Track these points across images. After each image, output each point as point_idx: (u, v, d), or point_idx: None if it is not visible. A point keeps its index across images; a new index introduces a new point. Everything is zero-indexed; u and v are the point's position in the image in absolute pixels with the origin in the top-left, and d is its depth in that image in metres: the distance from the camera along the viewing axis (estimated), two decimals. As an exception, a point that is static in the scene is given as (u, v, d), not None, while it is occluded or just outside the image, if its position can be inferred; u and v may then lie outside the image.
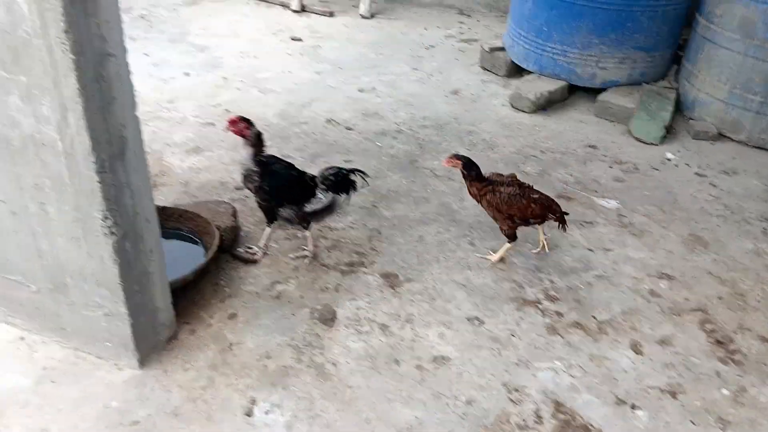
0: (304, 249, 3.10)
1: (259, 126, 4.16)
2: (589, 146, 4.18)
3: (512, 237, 3.01)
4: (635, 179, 3.85)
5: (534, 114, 4.52)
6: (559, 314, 2.82)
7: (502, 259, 3.08)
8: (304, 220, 2.97)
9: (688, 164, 4.04)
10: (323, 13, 6.20)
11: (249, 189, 2.88)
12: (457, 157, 2.90)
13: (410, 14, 6.28)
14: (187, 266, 2.75)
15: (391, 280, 2.97)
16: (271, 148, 3.86)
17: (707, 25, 4.30)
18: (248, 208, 3.40)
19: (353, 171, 3.03)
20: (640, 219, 3.49)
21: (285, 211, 2.93)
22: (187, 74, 4.84)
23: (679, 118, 4.45)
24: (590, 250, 3.24)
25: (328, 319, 2.74)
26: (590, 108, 4.62)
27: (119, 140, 2.08)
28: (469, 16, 6.31)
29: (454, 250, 3.18)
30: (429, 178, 3.75)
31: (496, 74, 5.08)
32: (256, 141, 2.79)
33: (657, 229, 3.42)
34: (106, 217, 2.10)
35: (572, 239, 3.31)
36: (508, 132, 4.28)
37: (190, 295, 2.76)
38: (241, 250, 3.06)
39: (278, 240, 3.19)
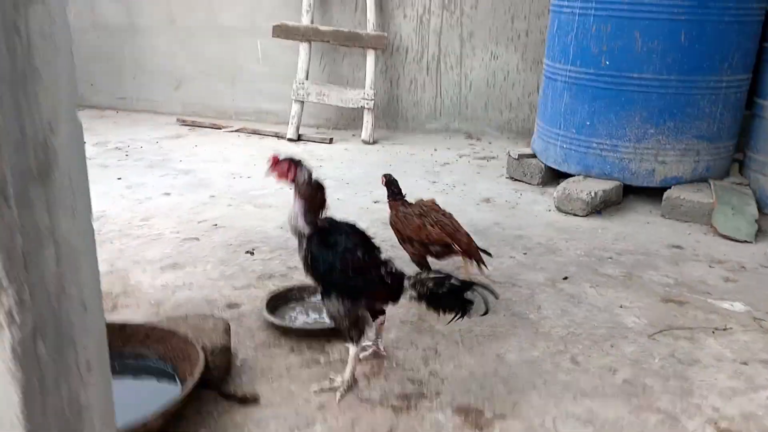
0: (334, 378, 2.06)
1: (259, 238, 3.34)
2: (673, 246, 3.33)
3: (421, 265, 2.61)
4: (748, 279, 2.97)
5: (588, 217, 3.73)
6: (752, 457, 1.77)
7: None
8: (356, 327, 1.98)
9: (802, 260, 3.20)
10: (322, 141, 5.62)
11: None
12: (385, 175, 2.75)
13: (415, 139, 5.73)
14: (152, 408, 1.70)
15: (473, 417, 1.92)
16: (275, 260, 2.97)
17: (777, 106, 3.72)
18: (245, 328, 2.39)
19: (472, 285, 1.99)
20: (786, 322, 2.56)
21: (331, 304, 1.96)
22: (168, 194, 4.03)
23: (761, 218, 3.69)
24: (744, 363, 2.26)
25: (387, 484, 1.65)
26: (653, 209, 3.86)
27: (42, 149, 1.16)
28: (479, 139, 5.77)
29: (552, 372, 2.17)
30: (487, 286, 2.81)
31: (529, 183, 4.37)
32: (311, 191, 1.94)
33: (815, 333, 2.48)
34: (2, 289, 1.12)
35: (710, 350, 2.33)
36: (566, 235, 3.45)
37: (155, 456, 1.67)
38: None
39: (290, 368, 2.16)
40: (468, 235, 2.65)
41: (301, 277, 2.82)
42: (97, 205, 3.71)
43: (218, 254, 3.08)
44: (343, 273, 1.95)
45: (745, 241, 3.39)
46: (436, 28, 5.72)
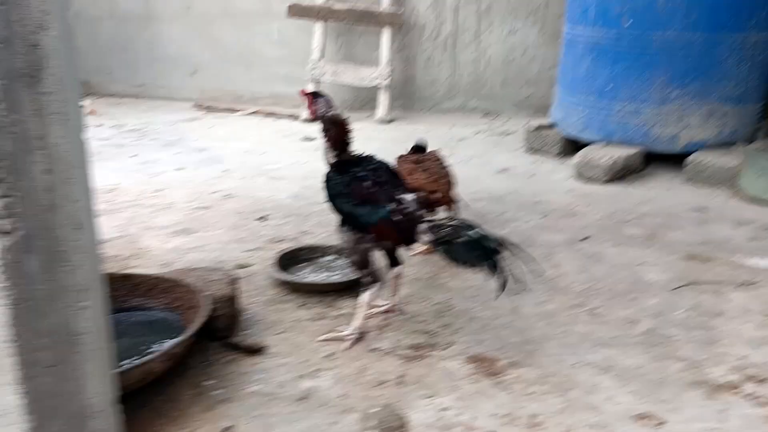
0: (341, 329, 2.00)
1: (271, 206, 3.29)
2: (698, 209, 3.21)
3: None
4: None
5: (608, 184, 3.61)
6: (783, 401, 1.67)
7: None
8: (362, 262, 1.94)
9: (835, 220, 3.06)
10: (337, 120, 5.56)
11: None
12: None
13: (432, 118, 5.64)
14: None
15: (486, 365, 1.84)
16: (286, 225, 2.92)
17: (808, 65, 3.57)
18: (255, 286, 2.34)
19: (497, 242, 1.80)
20: (818, 277, 2.43)
21: (342, 235, 1.97)
22: (181, 169, 4.01)
23: (790, 182, 3.53)
24: (773, 314, 2.15)
25: (395, 428, 1.58)
26: (675, 176, 3.72)
27: (31, 48, 1.12)
28: (497, 116, 5.66)
29: (570, 324, 2.08)
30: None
31: (548, 154, 4.25)
32: (329, 125, 1.95)
33: None
34: (-13, 195, 1.08)
35: (736, 302, 2.23)
36: (585, 201, 3.34)
37: (157, 401, 1.63)
38: (240, 342, 1.96)
39: (299, 321, 2.11)
40: (450, 183, 2.61)
41: (312, 240, 2.79)
42: (110, 179, 3.73)
43: (229, 221, 3.05)
44: (349, 198, 1.93)
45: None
46: (452, 4, 5.62)
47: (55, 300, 1.22)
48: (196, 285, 1.96)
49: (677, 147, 3.76)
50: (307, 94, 2.03)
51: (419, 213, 1.92)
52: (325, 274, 2.45)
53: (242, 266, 2.53)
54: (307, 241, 2.79)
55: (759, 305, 2.21)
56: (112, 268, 2.50)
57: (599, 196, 3.42)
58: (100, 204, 3.23)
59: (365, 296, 1.96)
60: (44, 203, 1.17)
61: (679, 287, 2.33)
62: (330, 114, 1.96)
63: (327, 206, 2.04)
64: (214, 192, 3.52)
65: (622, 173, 3.68)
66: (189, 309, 1.91)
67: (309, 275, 2.44)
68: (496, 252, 1.78)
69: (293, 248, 2.56)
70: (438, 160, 2.73)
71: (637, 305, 2.20)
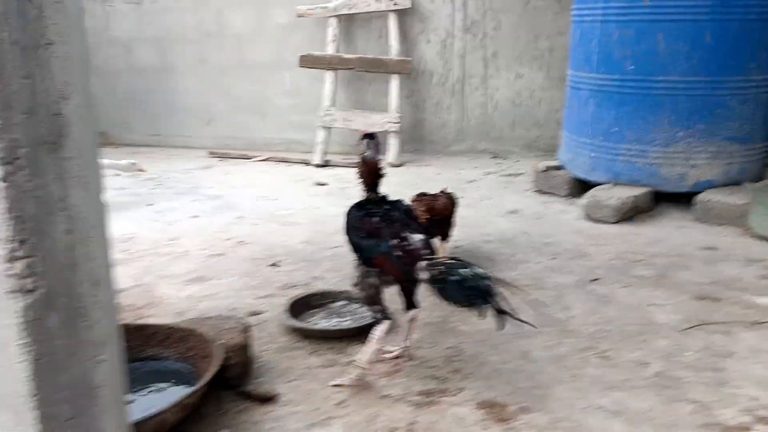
0: (353, 369, 2.03)
1: (283, 252, 3.35)
2: (707, 248, 3.22)
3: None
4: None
5: (619, 224, 3.63)
6: (796, 444, 1.66)
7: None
8: (369, 296, 2.02)
9: None
10: (349, 165, 5.66)
11: None
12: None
13: (441, 161, 5.72)
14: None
15: (496, 411, 1.85)
16: (298, 271, 2.97)
17: (811, 103, 3.61)
18: (267, 333, 2.38)
19: (489, 280, 1.81)
20: (830, 316, 2.42)
21: (355, 269, 2.10)
22: (196, 216, 4.10)
23: (800, 219, 3.53)
24: (785, 354, 2.14)
25: (405, 475, 1.59)
26: (685, 215, 3.74)
27: (54, 117, 1.19)
28: (505, 158, 5.73)
29: (581, 367, 2.09)
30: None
31: (556, 195, 4.30)
32: (362, 165, 2.10)
33: None
34: (14, 257, 1.14)
35: (747, 343, 2.22)
36: (595, 241, 3.37)
37: (171, 448, 1.66)
38: (249, 389, 1.99)
39: (310, 368, 2.13)
40: (445, 209, 2.92)
41: (324, 286, 2.83)
42: (127, 229, 3.82)
43: (243, 267, 3.10)
44: (356, 232, 2.05)
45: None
46: (459, 51, 5.77)
47: (74, 354, 1.27)
48: (209, 334, 2.00)
49: (685, 186, 3.79)
50: (364, 135, 2.15)
51: (421, 251, 1.97)
52: (336, 319, 2.48)
53: (254, 313, 2.57)
54: (319, 286, 2.83)
55: (770, 345, 2.20)
56: (128, 318, 2.55)
57: (609, 237, 3.44)
58: (116, 254, 3.32)
59: (376, 332, 1.99)
60: (64, 262, 1.23)
61: (689, 328, 2.33)
62: (367, 156, 2.09)
63: (344, 243, 2.14)
64: (228, 239, 3.58)
65: (631, 213, 3.71)
66: (203, 358, 1.95)
67: (320, 321, 2.48)
68: (488, 292, 1.79)
69: (304, 294, 2.60)
70: (449, 198, 3.00)
71: (647, 347, 2.21)
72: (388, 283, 2.05)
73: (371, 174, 2.10)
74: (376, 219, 2.04)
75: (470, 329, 2.37)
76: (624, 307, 2.54)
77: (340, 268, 3.07)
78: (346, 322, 2.44)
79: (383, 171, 2.13)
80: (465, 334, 2.34)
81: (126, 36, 6.80)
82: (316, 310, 2.56)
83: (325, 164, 5.74)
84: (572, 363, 2.11)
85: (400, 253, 1.96)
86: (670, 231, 3.52)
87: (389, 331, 2.02)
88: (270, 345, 2.29)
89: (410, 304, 2.09)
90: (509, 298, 1.82)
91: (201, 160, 6.08)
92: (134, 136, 6.99)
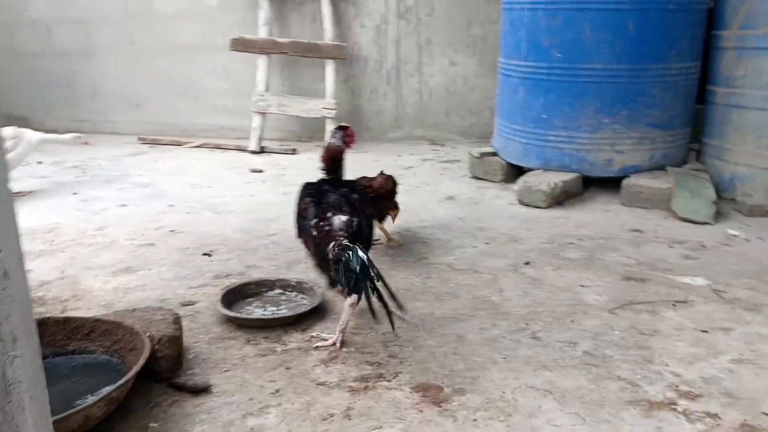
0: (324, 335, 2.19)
1: (217, 241, 3.27)
2: (634, 230, 3.35)
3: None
4: (709, 256, 2.98)
5: (550, 209, 3.73)
6: (714, 416, 1.75)
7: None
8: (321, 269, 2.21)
9: (761, 238, 3.23)
10: (285, 152, 5.58)
11: None
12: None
13: (379, 147, 5.71)
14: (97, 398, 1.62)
15: (432, 394, 1.87)
16: (232, 260, 2.91)
17: (728, 91, 3.79)
18: (199, 324, 2.32)
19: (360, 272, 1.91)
20: (746, 293, 2.56)
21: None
22: (124, 205, 3.94)
23: (719, 202, 3.71)
24: (704, 331, 2.25)
25: (342, 461, 1.58)
26: (613, 198, 3.88)
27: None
28: (442, 145, 5.78)
29: (513, 348, 2.13)
30: (448, 273, 2.79)
31: (492, 181, 4.37)
32: (324, 152, 2.39)
33: (773, 301, 2.49)
34: None
35: (671, 321, 2.32)
36: (527, 226, 3.44)
37: (97, 446, 1.59)
38: (182, 379, 1.93)
39: (245, 358, 2.09)
40: (380, 188, 2.99)
41: (259, 275, 2.78)
42: (50, 218, 3.63)
43: (174, 257, 3.01)
44: (296, 209, 2.31)
45: (705, 223, 3.43)
46: (393, 37, 5.76)
47: (-16, 349, 1.19)
48: (137, 326, 1.92)
49: (612, 171, 3.92)
50: (338, 126, 2.44)
51: (336, 234, 2.07)
52: (272, 308, 2.44)
53: (187, 304, 2.50)
54: (254, 275, 2.78)
55: (692, 323, 2.31)
56: (52, 311, 2.43)
57: (540, 221, 3.53)
58: (39, 245, 3.16)
59: (346, 303, 2.13)
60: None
61: (617, 308, 2.42)
62: (331, 144, 2.37)
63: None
64: (158, 228, 3.47)
65: (561, 198, 3.81)
66: (130, 351, 1.88)
67: (256, 310, 2.43)
68: (358, 279, 1.91)
69: (239, 283, 2.54)
70: (387, 178, 3.10)
71: (576, 327, 2.27)
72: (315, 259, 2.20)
73: (330, 159, 2.36)
74: (307, 200, 2.23)
75: (407, 315, 2.38)
76: (555, 289, 2.61)
77: (275, 256, 3.02)
78: (282, 311, 2.41)
79: (344, 158, 2.37)
80: (401, 319, 2.34)
81: (47, 17, 6.44)
82: (251, 299, 2.51)
83: (261, 151, 5.63)
84: (505, 344, 2.15)
85: (316, 233, 2.11)
86: (599, 214, 3.64)
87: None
88: (203, 336, 2.23)
89: (350, 291, 2.03)
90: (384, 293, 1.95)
91: (129, 146, 5.85)
92: (57, 122, 6.64)
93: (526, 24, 3.90)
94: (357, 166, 5.02)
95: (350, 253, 1.93)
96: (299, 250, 3.08)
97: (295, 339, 2.21)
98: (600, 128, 3.84)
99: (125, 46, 6.34)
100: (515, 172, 4.32)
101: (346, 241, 2.03)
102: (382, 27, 5.74)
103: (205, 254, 3.04)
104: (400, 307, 1.99)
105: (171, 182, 4.51)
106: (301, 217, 2.25)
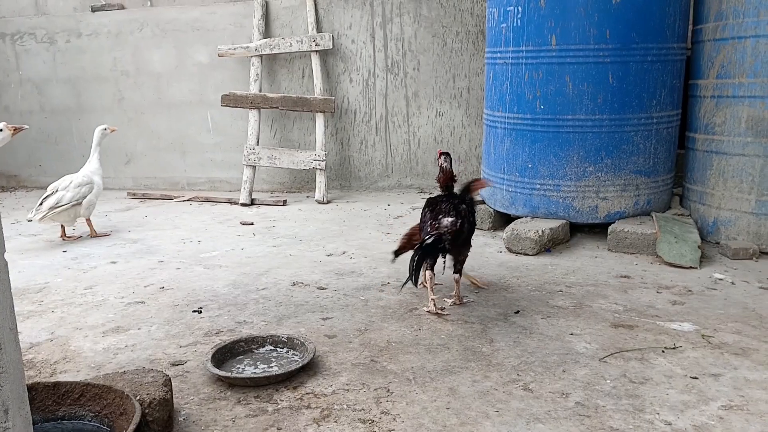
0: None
1: (207, 297, 3.27)
2: (621, 276, 3.38)
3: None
4: (695, 301, 3.01)
5: (538, 256, 3.77)
6: (707, 466, 1.75)
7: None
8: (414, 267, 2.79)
9: (746, 281, 3.27)
10: (275, 203, 5.62)
11: None
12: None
13: (368, 198, 5.78)
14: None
15: (424, 451, 1.85)
16: (222, 316, 2.91)
17: (707, 138, 3.90)
18: (190, 384, 2.30)
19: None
20: (732, 337, 2.58)
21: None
22: (114, 262, 3.94)
23: (703, 245, 3.77)
24: (694, 378, 2.26)
25: None
26: (600, 244, 3.93)
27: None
28: (431, 193, 5.86)
29: (506, 400, 2.13)
30: (439, 324, 2.79)
31: (480, 228, 4.41)
32: (440, 174, 3.04)
33: (760, 344, 2.51)
34: None
35: (660, 368, 2.33)
36: (516, 273, 3.47)
37: None
38: None
39: (236, 419, 2.07)
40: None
41: (250, 331, 2.78)
42: (40, 278, 3.63)
43: (164, 315, 3.00)
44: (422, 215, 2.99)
45: (690, 267, 3.47)
46: (381, 90, 5.90)
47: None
48: (127, 390, 1.91)
49: (598, 218, 3.98)
50: (441, 153, 3.07)
51: (443, 229, 2.75)
52: (263, 366, 2.43)
53: (177, 363, 2.48)
54: (245, 331, 2.77)
55: (681, 370, 2.32)
56: (41, 375, 2.41)
57: (529, 268, 3.56)
58: (28, 305, 3.15)
59: (426, 275, 2.90)
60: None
61: (607, 356, 2.43)
62: (445, 166, 3.01)
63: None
64: (148, 285, 3.46)
65: (549, 245, 3.85)
66: (120, 416, 1.86)
67: (247, 368, 2.42)
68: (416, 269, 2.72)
69: (229, 341, 2.53)
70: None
71: (568, 377, 2.28)
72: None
73: (446, 179, 3.00)
74: (426, 210, 2.94)
75: (398, 368, 2.38)
76: (545, 338, 2.62)
77: (266, 311, 3.02)
78: (273, 368, 2.40)
79: (456, 177, 3.02)
80: (393, 374, 2.34)
81: (39, 76, 6.56)
82: (242, 356, 2.50)
83: (251, 203, 5.68)
84: (498, 396, 2.15)
85: (429, 229, 2.80)
86: (587, 261, 3.68)
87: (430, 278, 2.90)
88: (194, 397, 2.22)
89: (456, 270, 2.97)
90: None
91: (119, 201, 5.88)
92: (47, 179, 6.67)
93: (509, 77, 4.02)
94: (347, 215, 5.09)
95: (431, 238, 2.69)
96: (289, 304, 3.10)
97: (286, 397, 2.19)
98: (585, 176, 3.91)
99: (114, 104, 6.45)
100: (503, 219, 4.38)
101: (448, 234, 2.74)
102: (371, 81, 5.88)
103: (195, 311, 3.04)
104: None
105: (161, 237, 4.52)
106: (422, 221, 2.93)
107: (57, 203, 4.27)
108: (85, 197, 4.40)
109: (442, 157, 3.04)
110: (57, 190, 4.36)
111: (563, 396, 2.14)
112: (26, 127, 4.33)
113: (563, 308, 2.95)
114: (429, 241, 2.67)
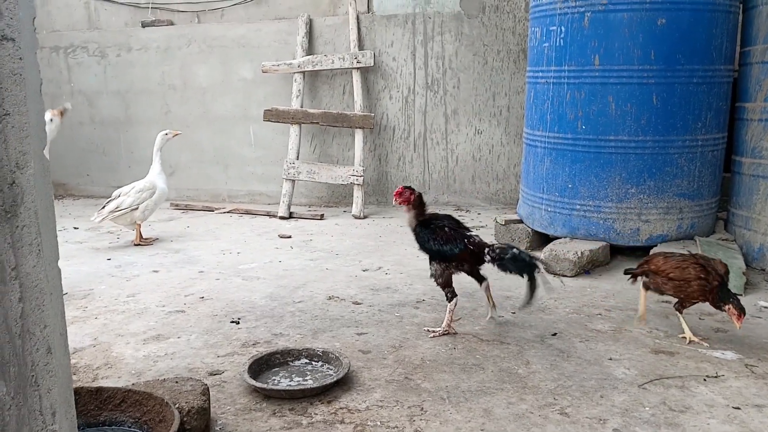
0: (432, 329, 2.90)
1: (245, 308, 3.32)
2: (662, 301, 3.31)
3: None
4: (739, 329, 2.92)
5: (577, 277, 3.72)
6: (750, 501, 1.69)
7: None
8: (446, 284, 2.88)
9: (793, 310, 3.17)
10: (313, 217, 5.69)
11: None
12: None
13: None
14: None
15: (457, 471, 1.84)
16: (259, 328, 2.95)
17: (754, 162, 3.80)
18: (227, 394, 2.34)
19: (531, 257, 2.83)
20: (779, 368, 2.51)
21: (432, 267, 2.91)
22: (156, 271, 4.04)
23: (748, 272, 3.66)
24: (737, 408, 2.20)
25: None
26: (641, 268, 3.85)
27: (8, 186, 1.20)
28: (468, 210, 5.84)
29: (542, 424, 2.10)
30: (474, 343, 2.78)
31: (518, 249, 4.37)
32: (417, 203, 2.91)
33: (809, 378, 2.43)
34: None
35: (701, 397, 2.27)
36: (554, 295, 3.43)
37: None
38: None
39: (272, 429, 2.10)
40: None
41: (286, 343, 2.81)
42: (84, 285, 3.74)
43: (203, 325, 3.06)
44: (435, 242, 2.84)
45: (735, 294, 3.37)
46: (421, 107, 5.93)
47: (25, 424, 1.23)
48: (166, 397, 1.96)
49: (639, 241, 3.91)
50: (405, 189, 2.91)
51: (483, 243, 2.88)
52: (299, 379, 2.45)
53: (214, 373, 2.53)
54: (281, 343, 2.80)
55: (723, 399, 2.26)
56: (84, 380, 2.48)
57: (567, 290, 3.51)
58: (73, 311, 3.24)
59: (451, 304, 2.87)
60: (16, 331, 1.21)
61: (647, 383, 2.38)
62: (414, 195, 2.89)
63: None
64: (189, 295, 3.54)
65: (588, 266, 3.80)
66: (159, 422, 1.90)
67: (282, 380, 2.44)
68: (532, 263, 2.78)
69: (266, 353, 2.57)
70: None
71: (605, 402, 2.24)
72: (462, 270, 2.91)
73: (419, 205, 2.94)
74: (447, 230, 2.86)
75: (433, 386, 2.37)
76: (583, 361, 2.58)
77: (302, 324, 3.05)
78: (308, 382, 2.42)
79: (424, 203, 2.97)
80: (427, 392, 2.34)
81: (89, 88, 6.80)
82: (278, 368, 2.53)
83: (289, 216, 5.75)
84: (533, 420, 2.13)
85: (472, 248, 2.84)
86: (627, 284, 3.58)
87: (456, 303, 2.90)
88: (230, 407, 2.25)
89: (480, 278, 2.98)
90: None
91: (163, 212, 6.02)
92: (95, 188, 6.91)
93: (551, 97, 4.00)
94: (383, 231, 5.11)
95: (516, 249, 2.81)
96: (324, 318, 3.12)
97: (320, 411, 2.21)
98: (626, 198, 3.86)
99: (161, 116, 6.63)
100: (541, 239, 4.34)
101: (498, 244, 2.90)
102: (410, 98, 5.92)
103: (233, 322, 3.09)
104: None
105: (202, 248, 4.61)
106: (449, 242, 2.84)
107: (117, 207, 4.48)
108: (143, 202, 4.57)
109: (405, 192, 2.91)
110: (120, 195, 4.56)
111: (601, 422, 2.10)
112: (69, 106, 4.44)
113: (602, 332, 2.90)
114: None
